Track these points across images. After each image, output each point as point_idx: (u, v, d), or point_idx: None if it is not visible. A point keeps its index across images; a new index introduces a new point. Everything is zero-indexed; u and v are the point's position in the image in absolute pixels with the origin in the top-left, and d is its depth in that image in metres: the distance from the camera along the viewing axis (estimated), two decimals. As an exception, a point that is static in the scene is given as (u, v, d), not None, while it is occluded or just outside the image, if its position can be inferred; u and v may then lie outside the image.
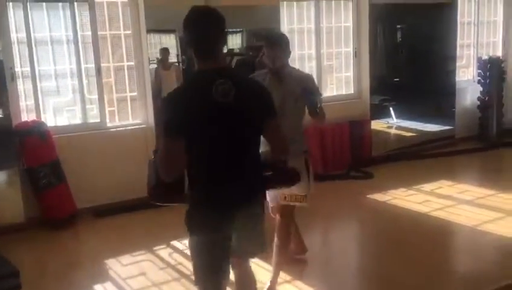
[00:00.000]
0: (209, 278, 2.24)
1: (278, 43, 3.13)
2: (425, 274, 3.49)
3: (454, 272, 3.70)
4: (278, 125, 2.23)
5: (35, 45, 4.68)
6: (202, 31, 2.07)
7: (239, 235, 2.24)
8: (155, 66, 5.32)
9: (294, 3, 5.94)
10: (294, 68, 3.38)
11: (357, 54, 6.37)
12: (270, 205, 3.32)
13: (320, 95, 3.28)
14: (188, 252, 3.91)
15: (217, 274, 2.23)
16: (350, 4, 6.28)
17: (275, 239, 3.25)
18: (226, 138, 2.09)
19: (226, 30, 2.13)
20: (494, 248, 3.99)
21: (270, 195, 3.19)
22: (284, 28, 5.82)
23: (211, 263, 2.20)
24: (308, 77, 3.29)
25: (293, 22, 5.95)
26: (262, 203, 2.33)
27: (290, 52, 3.23)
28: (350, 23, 6.31)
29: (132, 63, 5.10)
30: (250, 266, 2.50)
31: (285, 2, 5.83)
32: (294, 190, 3.00)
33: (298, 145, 3.08)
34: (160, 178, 2.08)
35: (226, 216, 2.15)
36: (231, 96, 2.04)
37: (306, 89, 3.06)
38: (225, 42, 2.17)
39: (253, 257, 2.50)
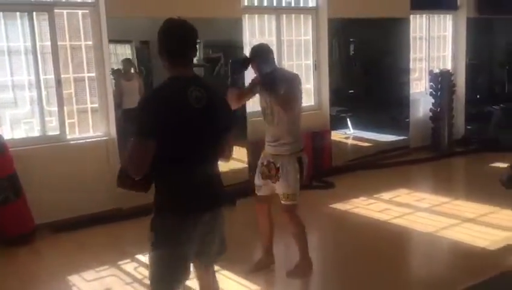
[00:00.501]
0: (167, 286, 2.26)
1: (255, 55, 3.39)
2: (387, 279, 3.61)
3: (413, 276, 3.85)
4: (231, 137, 2.39)
5: (-8, 55, 4.54)
6: (178, 41, 2.18)
7: (202, 241, 2.28)
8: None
9: (256, 16, 6.03)
10: (282, 70, 3.64)
11: (316, 67, 6.53)
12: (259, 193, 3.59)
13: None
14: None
15: (176, 282, 2.26)
16: (310, 18, 6.44)
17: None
18: (196, 141, 2.18)
19: (196, 40, 2.23)
20: (450, 252, 4.19)
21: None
22: (246, 40, 5.89)
23: (172, 270, 2.22)
24: (292, 77, 3.47)
25: (254, 35, 6.03)
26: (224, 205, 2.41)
27: (272, 58, 3.43)
28: (310, 37, 6.47)
29: (93, 74, 5.02)
30: (214, 273, 2.55)
31: (246, 15, 5.91)
32: (284, 188, 3.40)
33: (289, 147, 3.37)
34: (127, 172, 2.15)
35: (191, 221, 2.20)
36: (203, 102, 2.16)
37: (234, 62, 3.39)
38: (196, 53, 2.27)
39: (216, 261, 2.52)
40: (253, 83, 3.48)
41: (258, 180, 3.58)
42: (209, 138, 2.23)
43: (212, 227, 2.29)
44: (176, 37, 2.18)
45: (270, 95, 3.32)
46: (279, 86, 3.27)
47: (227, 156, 2.42)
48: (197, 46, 2.24)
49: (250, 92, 3.51)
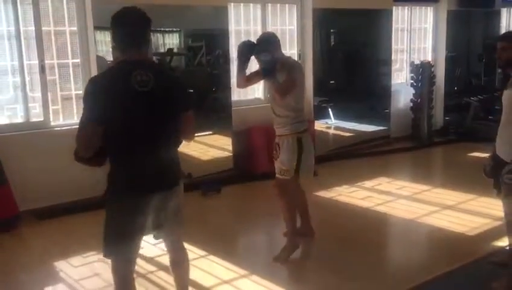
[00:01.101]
0: (118, 251, 2.41)
1: (257, 43, 3.63)
2: (369, 263, 3.71)
3: (395, 261, 3.97)
4: (190, 116, 2.49)
5: (-26, 40, 4.46)
6: (124, 26, 2.31)
7: (157, 218, 2.45)
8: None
9: (241, 4, 6.04)
10: (283, 58, 3.72)
11: (301, 56, 6.57)
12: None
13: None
14: (140, 251, 3.93)
15: (125, 248, 2.40)
16: (295, 8, 6.47)
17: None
18: (142, 124, 2.28)
19: (148, 28, 2.35)
20: (430, 238, 4.32)
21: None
22: (232, 28, 5.90)
23: (121, 238, 2.38)
24: (292, 65, 3.66)
25: (240, 23, 6.04)
26: (180, 190, 2.53)
27: (274, 48, 3.61)
28: (294, 26, 6.51)
29: (78, 61, 4.97)
30: (181, 246, 2.70)
31: (232, 3, 5.91)
32: (279, 163, 3.62)
33: (289, 127, 3.59)
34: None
35: (137, 199, 2.33)
36: (150, 85, 2.25)
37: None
38: (146, 38, 2.37)
39: (174, 237, 2.65)
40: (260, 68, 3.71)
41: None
42: (159, 119, 2.31)
43: (165, 206, 2.44)
44: (123, 25, 2.31)
45: (268, 81, 3.65)
46: (276, 73, 3.53)
47: (189, 136, 2.58)
48: (146, 33, 2.35)
49: (256, 75, 3.77)
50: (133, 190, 2.33)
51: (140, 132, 2.28)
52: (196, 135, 2.68)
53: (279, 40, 3.74)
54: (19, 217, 4.54)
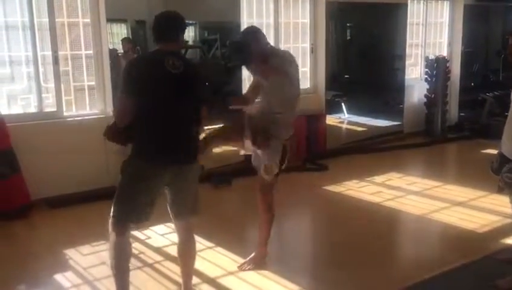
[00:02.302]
0: (122, 212, 2.67)
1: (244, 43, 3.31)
2: (377, 258, 3.70)
3: (403, 257, 3.95)
4: (205, 109, 2.80)
5: (-11, 30, 4.53)
6: (159, 27, 2.73)
7: (172, 196, 2.77)
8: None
9: (254, -3, 6.03)
10: (274, 51, 3.47)
11: (313, 50, 6.54)
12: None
13: None
14: (148, 241, 3.98)
15: (131, 210, 2.65)
16: (308, 1, 6.44)
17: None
18: (171, 101, 2.61)
19: (181, 26, 2.75)
20: (439, 234, 4.29)
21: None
22: (244, 22, 5.89)
23: (133, 205, 2.65)
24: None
25: (252, 16, 6.03)
26: (196, 169, 2.81)
27: (261, 43, 3.31)
28: (307, 20, 6.48)
29: (90, 52, 5.02)
30: (191, 234, 2.93)
31: (245, -4, 5.91)
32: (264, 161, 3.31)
33: (278, 129, 3.26)
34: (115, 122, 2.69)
35: (154, 167, 2.63)
36: (180, 69, 2.61)
37: None
38: (179, 34, 2.74)
39: (186, 219, 2.87)
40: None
41: None
42: (183, 100, 2.64)
43: (181, 180, 2.73)
44: (158, 24, 2.73)
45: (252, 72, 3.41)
46: (256, 64, 3.29)
47: (201, 127, 2.86)
48: (177, 30, 2.73)
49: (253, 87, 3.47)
50: (150, 159, 2.63)
51: (168, 108, 2.61)
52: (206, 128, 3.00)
53: (258, 32, 3.39)
54: (31, 206, 4.62)
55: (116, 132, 2.69)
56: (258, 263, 3.50)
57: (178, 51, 2.78)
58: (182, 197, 2.79)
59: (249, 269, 3.47)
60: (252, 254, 3.54)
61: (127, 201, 2.66)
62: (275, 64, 3.23)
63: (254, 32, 3.40)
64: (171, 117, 2.63)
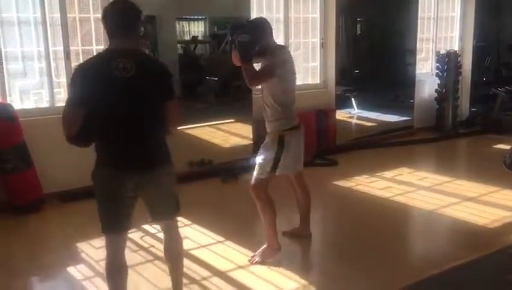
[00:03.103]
0: (108, 228, 2.57)
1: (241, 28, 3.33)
2: (387, 253, 3.69)
3: (413, 252, 3.95)
4: (174, 105, 2.55)
5: (2, 25, 4.57)
6: (112, 17, 2.45)
7: (147, 198, 2.61)
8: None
9: (264, -8, 6.03)
10: (273, 45, 3.46)
11: (323, 45, 6.52)
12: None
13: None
14: (159, 235, 4.00)
15: (113, 223, 2.56)
16: (318, -5, 6.42)
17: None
18: (122, 108, 2.41)
19: (135, 19, 2.47)
20: (450, 229, 4.27)
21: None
22: (254, 16, 5.88)
23: (107, 214, 2.55)
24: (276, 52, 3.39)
25: (262, 11, 6.03)
26: (169, 173, 2.62)
27: (259, 33, 3.32)
28: (317, 14, 6.46)
29: (101, 47, 5.04)
30: (177, 230, 2.78)
31: (255, -10, 5.91)
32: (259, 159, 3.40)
33: (273, 124, 3.39)
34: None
35: (116, 174, 2.48)
36: (131, 72, 2.38)
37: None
38: (133, 28, 2.47)
39: (167, 219, 2.73)
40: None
41: None
42: (138, 104, 2.44)
43: (152, 185, 2.56)
44: (109, 16, 2.45)
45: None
46: (257, 59, 3.33)
47: (173, 125, 2.60)
48: (133, 23, 2.46)
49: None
50: (111, 168, 2.49)
51: (119, 115, 2.42)
52: (180, 126, 2.73)
53: (268, 26, 3.45)
54: (43, 200, 4.68)
55: (72, 139, 2.47)
56: (268, 256, 3.51)
57: (133, 50, 2.47)
58: (157, 203, 2.63)
59: (257, 262, 3.49)
60: (263, 246, 3.55)
61: (105, 213, 2.55)
62: (270, 61, 3.28)
63: (262, 25, 3.42)
64: (124, 123, 2.44)
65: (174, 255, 2.77)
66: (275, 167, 3.41)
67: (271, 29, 3.48)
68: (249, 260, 3.53)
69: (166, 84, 2.53)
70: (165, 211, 2.67)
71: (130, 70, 2.38)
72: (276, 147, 3.38)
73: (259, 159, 3.46)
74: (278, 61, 3.32)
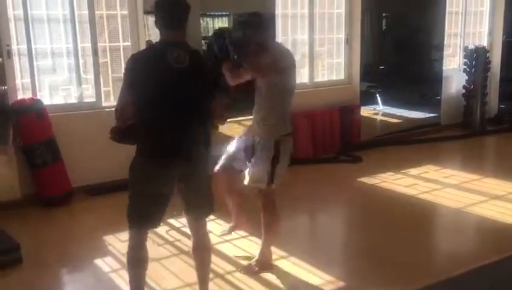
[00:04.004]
0: (138, 224, 2.57)
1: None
2: (412, 251, 3.66)
3: (439, 250, 3.90)
4: (221, 99, 2.61)
5: (32, 23, 4.66)
6: (163, 13, 2.52)
7: (185, 193, 2.60)
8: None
9: (289, -13, 6.00)
10: (274, 45, 3.33)
11: (348, 41, 6.47)
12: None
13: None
14: (185, 229, 4.04)
15: (146, 220, 2.55)
16: (343, -9, 6.37)
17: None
18: (174, 97, 2.45)
19: (185, 13, 2.52)
20: (477, 228, 4.20)
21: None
22: (278, 12, 5.89)
23: (142, 209, 2.53)
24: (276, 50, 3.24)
25: (287, 7, 6.01)
26: (206, 165, 2.66)
27: (257, 29, 3.16)
28: (342, 10, 6.41)
29: (128, 44, 5.12)
30: (206, 230, 2.77)
31: (279, -13, 5.89)
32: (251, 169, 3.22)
33: (270, 128, 3.18)
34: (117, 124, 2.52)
35: (160, 164, 2.48)
36: (185, 63, 2.45)
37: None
38: (183, 22, 2.53)
39: (202, 218, 2.72)
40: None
41: None
42: (189, 94, 2.49)
43: (191, 177, 2.55)
44: (163, 9, 2.52)
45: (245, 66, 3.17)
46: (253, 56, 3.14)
47: (220, 120, 2.67)
48: (183, 16, 2.52)
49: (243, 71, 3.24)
50: (154, 157, 2.49)
51: (170, 104, 2.46)
52: (230, 119, 2.78)
53: (267, 22, 3.31)
54: (71, 193, 4.78)
55: (121, 133, 2.51)
56: (264, 267, 3.34)
57: (184, 41, 2.54)
58: (195, 198, 2.63)
59: (257, 272, 3.32)
60: (256, 257, 3.41)
61: (139, 208, 2.54)
62: (268, 60, 3.10)
63: (265, 21, 3.27)
64: (174, 112, 2.47)
65: (202, 253, 2.77)
66: (271, 175, 3.18)
67: (271, 26, 3.38)
68: (242, 270, 3.38)
69: (213, 78, 2.64)
70: (201, 209, 2.68)
71: (184, 61, 2.45)
72: (273, 153, 3.16)
73: (254, 168, 3.22)
74: (279, 57, 3.16)
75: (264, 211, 3.32)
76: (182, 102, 2.47)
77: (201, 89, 2.54)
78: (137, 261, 2.66)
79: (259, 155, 3.21)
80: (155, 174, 2.49)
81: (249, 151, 3.30)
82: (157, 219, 2.60)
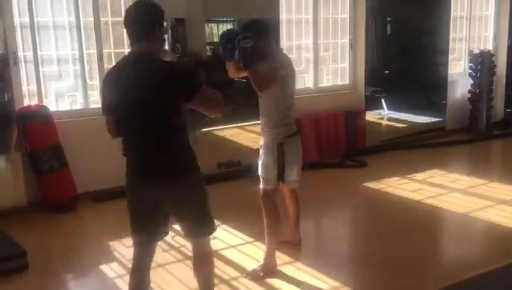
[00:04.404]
0: (134, 238, 2.52)
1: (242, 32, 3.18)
2: (418, 257, 3.63)
3: (445, 255, 3.87)
4: (200, 98, 2.30)
5: (38, 30, 4.70)
6: (128, 20, 2.32)
7: (173, 215, 2.45)
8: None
9: (293, -7, 6.02)
10: (273, 50, 3.33)
11: (353, 46, 6.47)
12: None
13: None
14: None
15: (139, 236, 2.49)
16: (347, -4, 6.38)
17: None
18: (135, 114, 2.28)
19: (155, 20, 2.31)
20: (483, 233, 4.17)
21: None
22: (283, 17, 5.91)
23: (134, 225, 2.48)
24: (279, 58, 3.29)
25: (291, 12, 6.03)
26: (192, 181, 2.39)
27: (261, 36, 3.15)
28: (347, 15, 6.42)
29: (133, 50, 5.13)
30: (205, 249, 2.54)
31: (284, -8, 5.91)
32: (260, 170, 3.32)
33: (271, 131, 3.27)
34: None
35: (138, 186, 2.39)
36: (141, 79, 2.24)
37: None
38: (152, 32, 2.29)
39: (200, 239, 2.51)
40: None
41: None
42: (153, 110, 2.25)
43: (176, 196, 2.36)
44: (128, 17, 2.32)
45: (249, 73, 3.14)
46: (259, 64, 3.11)
47: (212, 112, 2.45)
48: (149, 26, 2.28)
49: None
50: (131, 179, 2.41)
51: (130, 123, 2.31)
52: (220, 111, 2.47)
53: (269, 29, 3.36)
54: (77, 199, 4.80)
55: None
56: (269, 273, 3.36)
57: (151, 53, 2.28)
58: (184, 219, 2.44)
59: (262, 277, 3.33)
60: (260, 263, 3.42)
61: (132, 222, 2.47)
62: (268, 71, 3.12)
63: (263, 27, 3.27)
64: (136, 132, 2.32)
65: (202, 272, 2.60)
66: (280, 176, 3.33)
67: (272, 32, 3.39)
68: (246, 275, 3.38)
69: (181, 86, 2.28)
70: (196, 229, 2.47)
71: (139, 76, 2.24)
72: (276, 155, 3.28)
73: (261, 170, 3.36)
74: (280, 65, 3.22)
75: (264, 212, 3.40)
76: (140, 121, 2.28)
77: (161, 104, 2.26)
78: (133, 271, 2.60)
79: (263, 159, 3.33)
80: (130, 196, 2.44)
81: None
82: (154, 233, 2.49)
